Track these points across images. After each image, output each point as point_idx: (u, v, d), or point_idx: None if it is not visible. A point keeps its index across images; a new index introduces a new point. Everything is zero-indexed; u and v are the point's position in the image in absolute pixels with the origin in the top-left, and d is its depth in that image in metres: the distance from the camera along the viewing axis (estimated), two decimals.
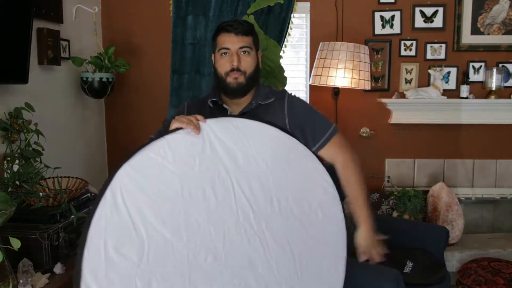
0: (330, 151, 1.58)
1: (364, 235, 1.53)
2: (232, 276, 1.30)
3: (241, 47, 1.59)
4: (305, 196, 1.48)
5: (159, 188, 1.24)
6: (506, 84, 3.08)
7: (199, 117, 1.33)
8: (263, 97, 1.66)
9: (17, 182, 1.85)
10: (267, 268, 1.36)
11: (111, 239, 1.14)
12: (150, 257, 1.18)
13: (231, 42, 1.58)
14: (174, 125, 1.31)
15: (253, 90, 1.67)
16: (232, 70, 1.58)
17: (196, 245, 1.25)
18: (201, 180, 1.30)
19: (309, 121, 1.62)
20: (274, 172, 1.42)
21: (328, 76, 2.77)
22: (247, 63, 1.60)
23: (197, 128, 1.29)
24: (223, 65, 1.60)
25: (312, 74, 2.93)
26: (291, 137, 1.47)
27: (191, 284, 1.23)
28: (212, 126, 1.37)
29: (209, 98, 1.70)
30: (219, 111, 1.68)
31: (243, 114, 1.62)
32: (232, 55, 1.58)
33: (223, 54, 1.60)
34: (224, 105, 1.69)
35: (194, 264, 1.24)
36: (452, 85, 3.12)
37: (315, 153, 1.52)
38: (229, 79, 1.59)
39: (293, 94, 1.72)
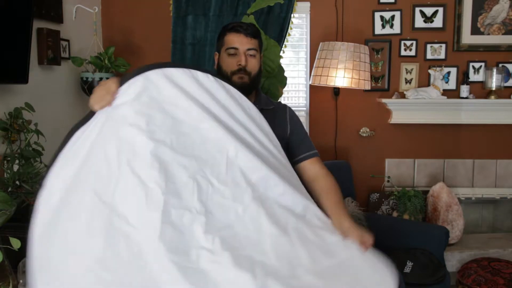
0: (315, 165, 1.65)
1: (354, 228, 1.49)
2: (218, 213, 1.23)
3: (249, 49, 1.62)
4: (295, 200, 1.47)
5: (181, 106, 1.31)
6: (506, 84, 3.07)
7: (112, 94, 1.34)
8: (264, 103, 1.71)
9: (17, 182, 1.85)
10: (260, 252, 1.21)
11: (133, 108, 1.30)
12: (174, 143, 1.27)
13: (240, 42, 1.61)
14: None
15: (253, 93, 1.70)
16: (239, 70, 1.61)
17: (200, 165, 1.26)
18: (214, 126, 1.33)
19: (302, 134, 1.73)
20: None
21: (328, 76, 2.77)
22: (253, 65, 1.63)
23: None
24: (229, 64, 1.62)
25: (312, 74, 2.92)
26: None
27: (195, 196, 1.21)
28: (231, 91, 1.44)
29: None
30: None
31: None
32: (240, 55, 1.61)
33: (231, 54, 1.62)
34: None
35: (200, 181, 1.23)
36: (452, 85, 3.12)
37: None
38: (235, 78, 1.61)
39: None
